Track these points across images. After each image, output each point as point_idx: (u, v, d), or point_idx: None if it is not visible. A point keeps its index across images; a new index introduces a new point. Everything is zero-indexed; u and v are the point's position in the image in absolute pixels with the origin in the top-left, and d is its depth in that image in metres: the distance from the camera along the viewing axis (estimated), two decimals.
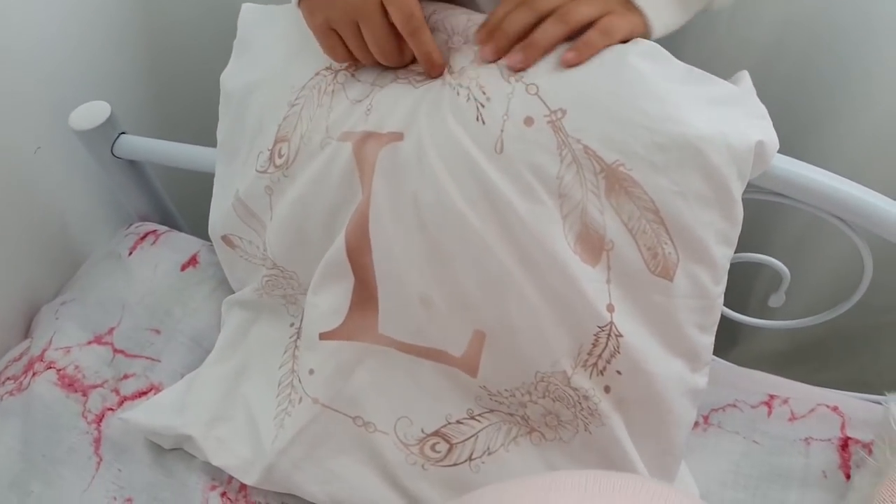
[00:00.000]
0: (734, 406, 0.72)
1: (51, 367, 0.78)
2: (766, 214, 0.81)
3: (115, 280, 0.86)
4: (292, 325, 0.73)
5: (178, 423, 0.71)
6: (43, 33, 0.84)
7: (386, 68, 0.62)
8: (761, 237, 0.90)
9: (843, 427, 0.69)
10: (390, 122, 0.60)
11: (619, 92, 0.57)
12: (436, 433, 0.64)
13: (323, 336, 0.65)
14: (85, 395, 0.77)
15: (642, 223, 0.57)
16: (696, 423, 0.70)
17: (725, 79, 0.61)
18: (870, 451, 0.65)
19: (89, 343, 0.80)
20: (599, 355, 0.59)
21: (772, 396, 0.72)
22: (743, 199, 0.60)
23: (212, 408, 0.71)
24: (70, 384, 0.77)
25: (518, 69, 0.58)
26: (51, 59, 0.86)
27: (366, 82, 0.63)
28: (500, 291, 0.59)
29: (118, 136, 0.87)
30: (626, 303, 0.58)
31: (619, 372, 0.59)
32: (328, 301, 0.65)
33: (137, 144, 0.87)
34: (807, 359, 1.03)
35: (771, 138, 0.59)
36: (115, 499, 0.70)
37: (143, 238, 0.89)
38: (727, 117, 0.58)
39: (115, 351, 0.80)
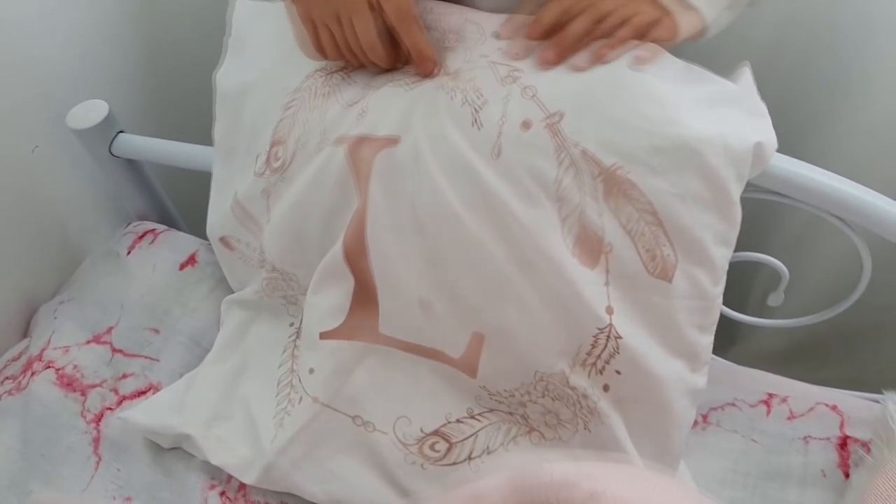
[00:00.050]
0: (733, 405, 0.72)
1: (49, 367, 0.78)
2: (765, 213, 0.81)
3: (114, 279, 0.86)
4: (292, 324, 0.73)
5: (177, 422, 0.71)
6: (40, 32, 0.84)
7: (380, 74, 0.62)
8: (760, 236, 0.90)
9: (842, 426, 0.69)
10: (384, 126, 0.60)
11: (617, 94, 0.57)
12: (435, 432, 0.64)
13: (323, 335, 0.65)
14: (84, 394, 0.77)
15: (641, 225, 0.57)
16: (695, 422, 0.70)
17: (725, 77, 0.61)
18: (868, 450, 0.65)
19: (88, 342, 0.80)
20: (599, 356, 0.59)
21: (771, 395, 0.72)
22: (742, 199, 0.60)
23: (211, 407, 0.71)
24: (69, 384, 0.77)
25: (552, 65, 0.58)
26: (48, 58, 0.86)
27: (359, 84, 0.63)
28: (498, 295, 0.59)
29: (116, 135, 0.87)
30: (625, 304, 0.58)
31: (618, 372, 0.59)
32: (328, 301, 0.65)
33: (135, 143, 0.87)
34: (806, 357, 1.03)
35: (769, 137, 0.59)
36: (114, 498, 0.70)
37: (141, 237, 0.89)
38: (726, 118, 0.58)
39: (114, 350, 0.80)
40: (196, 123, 0.79)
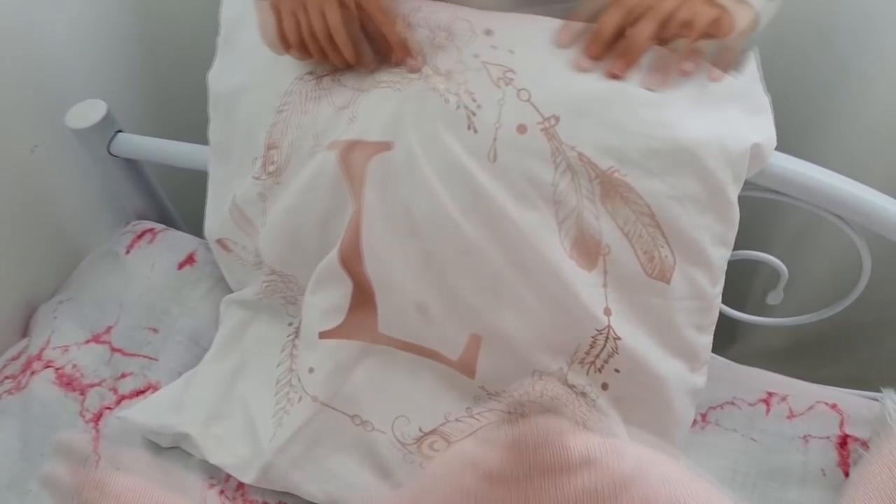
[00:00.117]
0: (732, 404, 0.72)
1: (49, 366, 0.78)
2: (764, 212, 0.81)
3: (113, 279, 0.86)
4: (290, 324, 0.73)
5: (175, 421, 0.71)
6: (39, 32, 0.84)
7: (367, 72, 0.62)
8: (759, 235, 0.90)
9: (841, 425, 0.69)
10: (375, 130, 0.60)
11: (612, 98, 0.56)
12: (434, 431, 0.64)
13: (323, 335, 0.65)
14: (83, 393, 0.77)
15: (638, 227, 0.57)
16: (695, 421, 0.69)
17: None
18: (868, 449, 0.65)
19: (87, 342, 0.80)
20: (597, 355, 0.59)
21: (770, 394, 0.72)
22: (741, 197, 0.60)
23: (209, 406, 0.71)
24: (68, 383, 0.77)
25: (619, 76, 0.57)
26: (47, 58, 0.86)
27: (349, 87, 0.62)
28: (495, 297, 0.59)
29: (115, 135, 0.87)
30: (624, 306, 0.58)
31: (617, 370, 0.59)
32: (327, 301, 0.65)
33: (134, 143, 0.87)
34: (806, 355, 1.03)
35: (768, 136, 0.59)
36: None
37: (140, 236, 0.89)
38: (724, 118, 0.58)
39: (113, 350, 0.80)
40: (195, 123, 0.79)
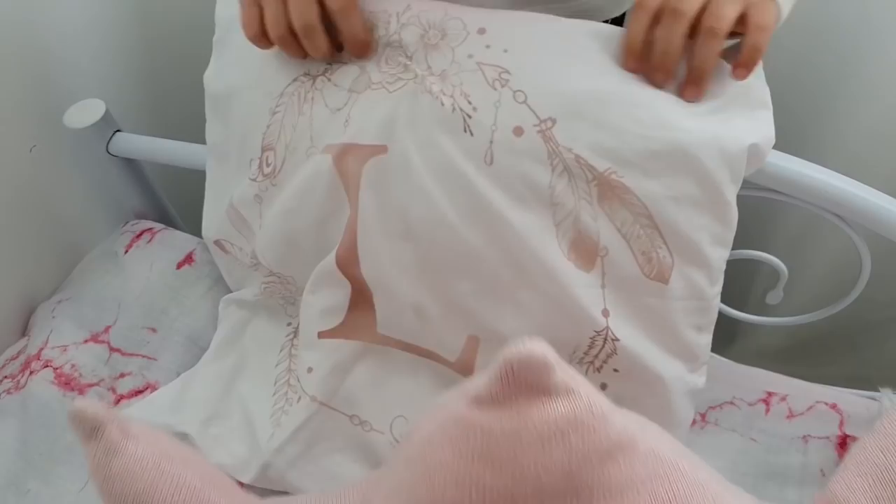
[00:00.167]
0: (732, 404, 0.71)
1: (48, 366, 0.78)
2: (763, 211, 0.81)
3: (112, 278, 0.86)
4: (289, 324, 0.73)
5: (174, 421, 0.70)
6: (37, 31, 0.84)
7: (360, 72, 0.61)
8: (759, 234, 0.90)
9: (841, 425, 0.68)
10: (369, 133, 0.60)
11: (608, 99, 0.56)
12: None
13: (322, 335, 0.65)
14: (81, 393, 0.76)
15: (636, 228, 0.57)
16: (694, 421, 0.69)
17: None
18: None
19: (86, 342, 0.80)
20: (596, 356, 0.59)
21: (770, 394, 0.71)
22: (741, 197, 0.59)
23: (208, 406, 0.71)
24: (67, 383, 0.77)
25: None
26: (45, 58, 0.86)
27: (343, 88, 0.62)
28: (493, 300, 0.59)
29: (113, 134, 0.87)
30: (622, 307, 0.58)
31: (616, 371, 0.59)
32: (326, 301, 0.65)
33: (133, 142, 0.87)
34: (806, 355, 1.03)
35: (766, 134, 0.59)
36: None
37: (138, 236, 0.89)
38: (721, 116, 0.57)
39: (112, 349, 0.80)
40: (193, 122, 0.78)
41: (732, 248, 0.62)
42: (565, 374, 0.43)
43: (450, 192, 0.57)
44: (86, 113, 0.85)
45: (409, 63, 0.60)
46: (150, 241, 0.88)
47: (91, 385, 0.77)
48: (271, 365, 0.71)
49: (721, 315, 0.64)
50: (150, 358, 0.79)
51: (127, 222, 0.93)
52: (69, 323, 0.82)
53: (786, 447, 0.68)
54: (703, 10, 0.53)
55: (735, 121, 0.58)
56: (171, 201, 0.98)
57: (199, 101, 0.75)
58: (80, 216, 0.95)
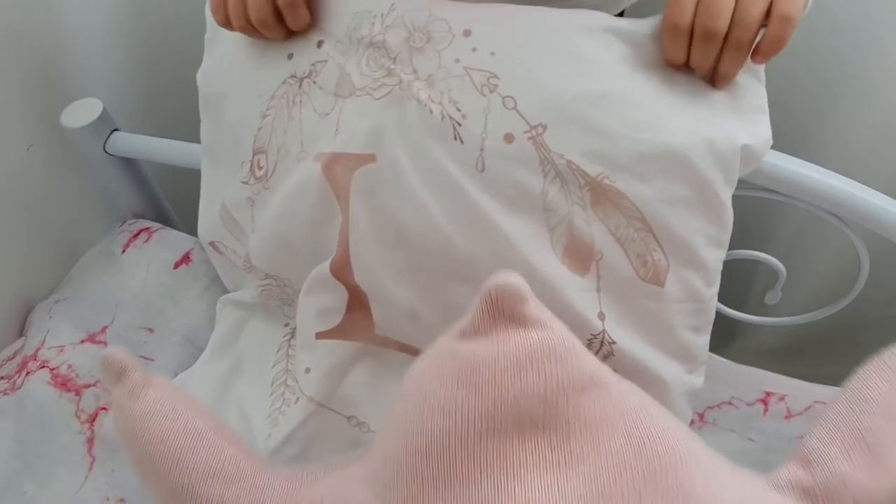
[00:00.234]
0: (730, 404, 0.71)
1: (44, 367, 0.78)
2: (762, 211, 0.81)
3: (109, 278, 0.85)
4: (287, 325, 0.72)
5: None
6: (34, 31, 0.84)
7: (339, 72, 0.61)
8: (758, 234, 0.90)
9: None
10: (357, 142, 0.59)
11: (599, 103, 0.56)
12: None
13: (320, 335, 0.65)
14: (78, 394, 0.76)
15: (630, 232, 0.57)
16: (692, 422, 0.69)
17: None
18: None
19: (82, 342, 0.80)
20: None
21: (768, 394, 0.71)
22: (739, 197, 0.59)
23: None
24: (63, 383, 0.77)
25: None
26: (42, 57, 0.86)
27: (328, 92, 0.61)
28: None
29: (111, 134, 0.86)
30: (618, 310, 0.58)
31: (614, 370, 0.59)
32: (324, 302, 0.64)
33: (130, 141, 0.86)
34: (805, 354, 1.03)
35: (762, 134, 0.59)
36: (107, 499, 0.70)
37: (136, 236, 0.89)
38: (714, 117, 0.57)
39: None
40: (191, 121, 0.78)
41: (731, 249, 0.62)
42: (540, 310, 0.45)
43: (441, 200, 0.57)
44: (83, 112, 0.85)
45: (392, 67, 0.59)
46: (147, 240, 0.88)
47: (88, 385, 0.77)
48: (268, 365, 0.71)
49: (719, 315, 0.64)
50: (147, 358, 0.78)
51: (124, 222, 0.93)
52: (66, 323, 0.82)
53: (784, 447, 0.68)
54: (732, 23, 0.52)
55: (728, 121, 0.57)
56: (169, 201, 0.97)
57: (196, 101, 0.75)
58: (78, 215, 0.94)
